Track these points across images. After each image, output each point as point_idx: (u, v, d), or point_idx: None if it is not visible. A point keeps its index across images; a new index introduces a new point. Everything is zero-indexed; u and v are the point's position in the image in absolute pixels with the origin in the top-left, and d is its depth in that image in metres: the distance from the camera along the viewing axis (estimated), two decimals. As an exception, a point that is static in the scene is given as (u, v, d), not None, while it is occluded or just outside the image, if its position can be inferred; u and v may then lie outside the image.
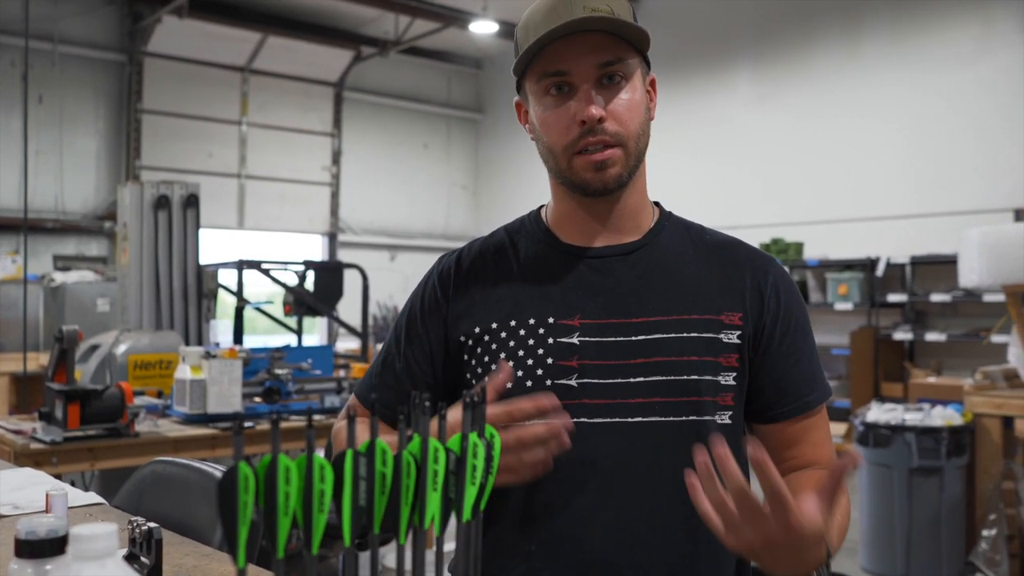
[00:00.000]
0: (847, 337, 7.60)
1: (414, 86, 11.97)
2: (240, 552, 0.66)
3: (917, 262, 7.33)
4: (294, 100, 11.02)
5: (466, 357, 1.28)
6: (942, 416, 4.24)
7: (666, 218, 1.33)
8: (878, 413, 4.40)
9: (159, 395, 3.73)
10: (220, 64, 10.32)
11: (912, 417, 4.26)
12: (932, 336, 7.24)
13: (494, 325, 1.26)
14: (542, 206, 1.37)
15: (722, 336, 1.22)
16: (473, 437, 0.80)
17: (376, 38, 10.77)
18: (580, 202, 1.27)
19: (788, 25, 8.79)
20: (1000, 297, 5.10)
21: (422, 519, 0.76)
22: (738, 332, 1.23)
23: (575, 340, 1.22)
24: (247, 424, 3.35)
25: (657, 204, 1.35)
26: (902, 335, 7.41)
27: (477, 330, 1.27)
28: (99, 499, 1.69)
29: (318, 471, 0.70)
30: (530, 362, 1.22)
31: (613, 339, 1.21)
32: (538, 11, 1.20)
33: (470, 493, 0.80)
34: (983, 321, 7.05)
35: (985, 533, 3.90)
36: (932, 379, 6.38)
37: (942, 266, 7.13)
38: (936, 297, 7.15)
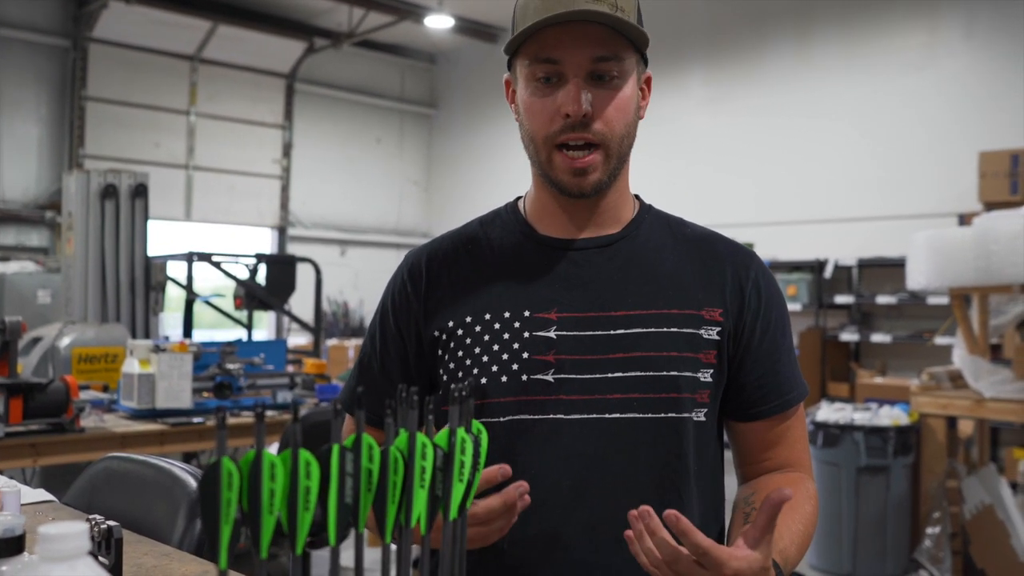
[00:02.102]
0: (796, 338, 7.71)
1: (367, 79, 11.84)
2: (222, 553, 0.63)
3: (864, 264, 7.47)
4: (244, 91, 10.81)
5: (440, 352, 1.24)
6: (889, 416, 4.32)
7: (646, 211, 1.30)
8: (828, 412, 4.47)
9: (105, 389, 3.63)
10: (168, 52, 10.08)
11: (860, 417, 4.34)
12: (877, 337, 7.39)
13: (468, 319, 1.22)
14: (519, 197, 1.33)
15: (702, 332, 1.20)
16: (461, 432, 0.78)
17: (329, 30, 10.63)
18: (558, 198, 1.24)
19: (740, 28, 8.88)
20: (944, 300, 5.22)
21: (408, 517, 0.74)
22: (718, 328, 1.21)
23: (552, 334, 1.18)
24: (197, 420, 3.28)
25: (637, 197, 1.32)
26: (848, 336, 7.54)
27: (450, 324, 1.23)
28: (49, 496, 1.63)
29: (303, 467, 0.67)
30: (505, 357, 1.19)
31: (591, 333, 1.18)
32: None
33: (457, 490, 0.78)
34: (927, 323, 7.22)
35: (929, 531, 3.98)
36: (878, 379, 6.51)
37: (888, 268, 7.27)
38: (882, 299, 7.30)
